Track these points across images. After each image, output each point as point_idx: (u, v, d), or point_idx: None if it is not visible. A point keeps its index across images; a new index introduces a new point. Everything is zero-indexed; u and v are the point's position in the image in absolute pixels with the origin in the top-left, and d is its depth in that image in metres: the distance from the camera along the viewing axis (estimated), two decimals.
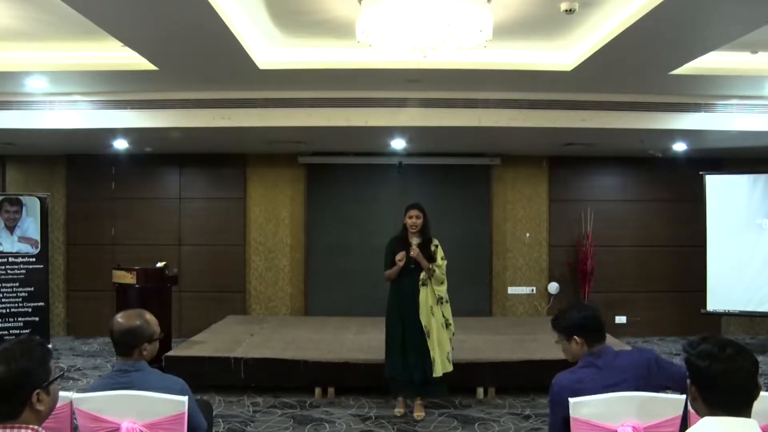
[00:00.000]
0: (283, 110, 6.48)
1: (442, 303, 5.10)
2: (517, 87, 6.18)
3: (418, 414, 5.14)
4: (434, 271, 5.04)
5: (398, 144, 7.84)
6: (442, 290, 5.12)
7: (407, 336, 5.05)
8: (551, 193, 9.01)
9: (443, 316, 5.10)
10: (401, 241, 5.13)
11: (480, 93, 6.34)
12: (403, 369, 5.06)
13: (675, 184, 8.85)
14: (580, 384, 2.70)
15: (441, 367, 5.02)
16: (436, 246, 5.13)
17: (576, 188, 9.02)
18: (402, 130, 7.10)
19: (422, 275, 5.05)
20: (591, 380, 2.71)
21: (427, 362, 5.01)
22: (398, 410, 5.22)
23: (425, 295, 5.05)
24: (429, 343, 5.00)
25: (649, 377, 2.75)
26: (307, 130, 6.82)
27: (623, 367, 2.76)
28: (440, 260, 5.10)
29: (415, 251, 5.00)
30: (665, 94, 6.28)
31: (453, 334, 5.22)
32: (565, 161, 8.92)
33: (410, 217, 5.08)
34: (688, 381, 1.85)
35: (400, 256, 5.01)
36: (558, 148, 8.19)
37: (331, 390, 5.80)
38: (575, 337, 2.82)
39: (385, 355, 5.23)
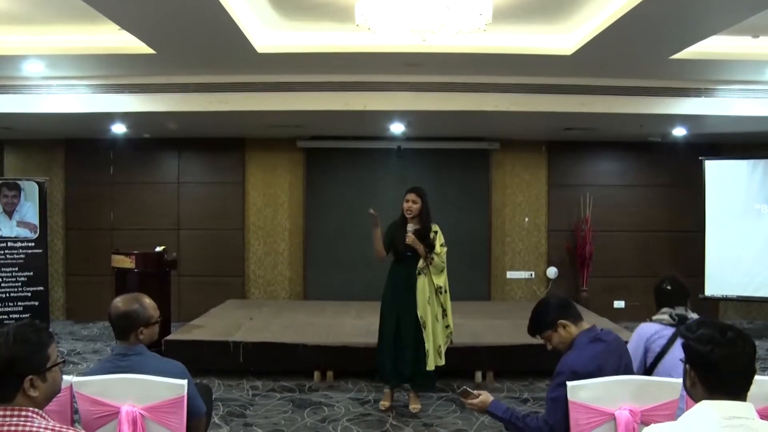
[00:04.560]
0: (282, 94, 6.46)
1: (441, 293, 4.89)
2: (517, 71, 6.15)
3: (414, 406, 4.98)
4: (432, 258, 4.81)
5: (397, 128, 7.82)
6: (441, 280, 4.89)
7: (401, 327, 4.84)
8: (550, 177, 9.01)
9: (441, 306, 4.90)
10: (400, 227, 4.91)
11: (479, 77, 6.31)
12: (393, 360, 4.87)
13: (674, 169, 8.84)
14: (597, 360, 2.67)
15: (433, 360, 4.83)
16: (435, 232, 4.86)
17: (575, 173, 9.01)
18: (401, 114, 7.08)
19: (420, 263, 4.82)
20: (606, 354, 2.70)
21: (420, 354, 4.81)
22: (384, 403, 5.01)
23: (423, 285, 4.82)
24: (424, 335, 4.79)
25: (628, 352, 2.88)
26: (305, 114, 6.80)
27: (616, 341, 2.82)
28: (439, 247, 4.83)
29: (410, 237, 4.76)
30: (666, 78, 6.26)
31: (450, 330, 5.02)
32: (564, 146, 8.90)
33: (406, 201, 4.85)
34: (687, 366, 1.85)
35: (373, 215, 4.75)
36: (557, 132, 8.18)
37: (330, 374, 5.82)
38: (561, 321, 2.82)
39: (377, 343, 5.07)
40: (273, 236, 8.97)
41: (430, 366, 4.83)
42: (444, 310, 4.96)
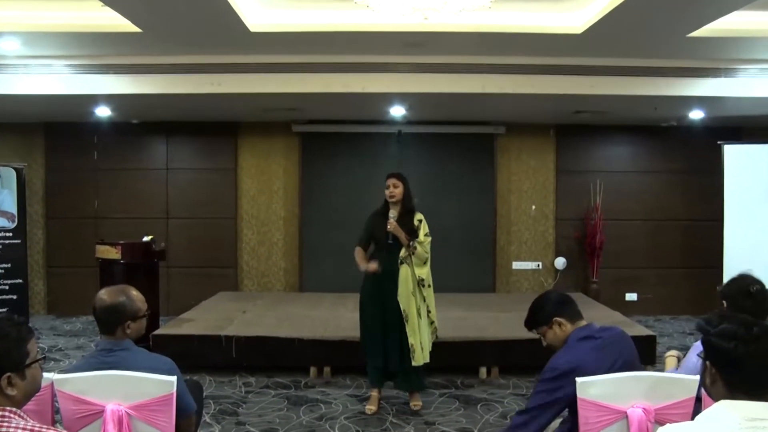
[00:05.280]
0: (276, 76, 6.43)
1: (423, 286, 4.84)
2: (524, 51, 6.11)
3: (415, 403, 4.98)
4: (415, 248, 4.78)
5: (397, 111, 7.79)
6: (424, 272, 4.85)
7: (387, 320, 4.80)
8: (559, 163, 8.99)
9: (424, 301, 4.86)
10: (381, 216, 4.90)
11: (484, 57, 6.27)
12: (384, 355, 4.85)
13: (690, 154, 8.81)
14: (580, 359, 2.68)
15: (420, 355, 4.77)
16: (420, 221, 4.86)
17: (585, 159, 8.99)
18: (401, 97, 7.05)
19: (402, 252, 4.80)
20: (596, 351, 2.71)
21: (405, 350, 4.78)
22: (370, 407, 4.93)
23: (405, 275, 4.78)
24: (408, 329, 4.75)
25: (632, 347, 2.84)
26: (301, 96, 6.77)
27: (614, 338, 2.80)
28: (423, 237, 4.82)
29: (392, 224, 4.75)
30: (682, 58, 6.21)
31: (434, 327, 4.98)
32: (573, 130, 8.88)
33: (387, 186, 4.85)
34: (707, 363, 1.82)
35: (371, 267, 4.81)
36: (566, 116, 8.15)
37: (327, 369, 5.83)
38: (557, 318, 2.85)
39: (360, 339, 5.04)
40: (267, 225, 8.96)
41: (417, 362, 4.78)
42: (427, 305, 4.91)
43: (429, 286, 4.91)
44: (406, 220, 4.85)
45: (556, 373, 2.65)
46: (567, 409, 2.72)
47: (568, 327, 2.83)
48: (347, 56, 6.24)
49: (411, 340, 4.77)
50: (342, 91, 6.50)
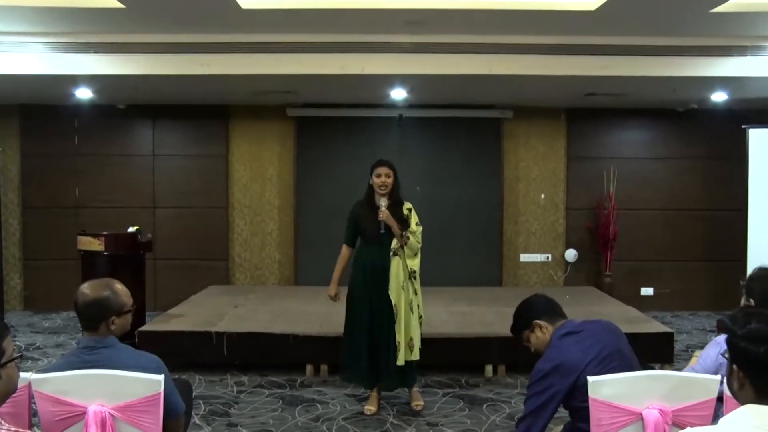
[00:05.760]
0: (270, 56, 6.40)
1: (414, 279, 4.86)
2: (533, 30, 6.08)
3: (417, 403, 4.99)
4: (408, 238, 4.78)
5: (398, 94, 7.76)
6: (416, 264, 4.86)
7: (376, 318, 4.81)
8: (570, 149, 8.97)
9: (416, 294, 4.86)
10: (366, 207, 4.90)
11: (490, 37, 6.24)
12: (369, 357, 4.83)
13: (712, 139, 8.79)
14: (568, 350, 2.76)
15: (404, 354, 4.77)
16: (410, 210, 4.88)
17: (598, 144, 8.97)
18: (403, 79, 7.03)
19: (393, 243, 4.80)
20: (577, 345, 2.78)
21: (392, 348, 4.78)
22: (369, 408, 4.96)
23: (397, 267, 4.78)
24: (396, 325, 4.77)
25: (621, 337, 2.92)
26: (297, 78, 6.75)
27: (596, 329, 2.88)
28: (415, 226, 4.84)
29: (384, 213, 4.73)
30: (704, 35, 6.16)
31: (422, 319, 4.97)
32: (585, 114, 8.86)
33: (378, 176, 4.83)
34: (734, 366, 1.78)
35: (333, 294, 5.04)
36: (578, 99, 8.13)
37: (324, 367, 5.85)
38: (536, 321, 2.98)
39: (343, 335, 5.02)
40: (260, 215, 8.96)
41: (400, 361, 4.77)
42: (417, 296, 4.92)
43: (416, 277, 4.92)
44: (395, 210, 4.83)
45: (542, 374, 2.76)
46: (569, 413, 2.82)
47: (549, 328, 2.96)
48: (345, 35, 6.21)
49: (398, 338, 4.78)
50: (339, 72, 6.47)
